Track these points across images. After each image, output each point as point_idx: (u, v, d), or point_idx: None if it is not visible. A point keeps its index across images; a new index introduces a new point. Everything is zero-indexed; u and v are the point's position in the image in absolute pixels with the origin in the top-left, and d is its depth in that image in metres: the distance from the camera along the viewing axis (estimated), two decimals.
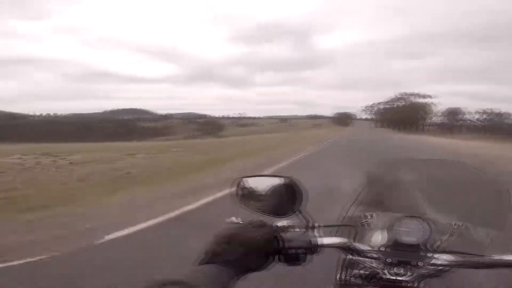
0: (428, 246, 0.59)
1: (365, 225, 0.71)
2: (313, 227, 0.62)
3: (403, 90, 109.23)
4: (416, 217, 0.60)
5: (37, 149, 12.87)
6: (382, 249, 0.60)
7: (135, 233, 3.13)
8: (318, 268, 0.85)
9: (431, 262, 0.58)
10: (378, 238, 0.64)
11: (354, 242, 0.63)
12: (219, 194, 4.64)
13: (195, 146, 15.88)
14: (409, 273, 0.59)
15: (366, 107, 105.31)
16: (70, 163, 8.92)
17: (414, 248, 0.59)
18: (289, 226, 0.62)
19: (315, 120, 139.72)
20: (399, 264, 0.59)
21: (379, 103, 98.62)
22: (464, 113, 74.53)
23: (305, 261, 0.58)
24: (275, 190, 0.67)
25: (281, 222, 0.62)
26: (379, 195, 0.82)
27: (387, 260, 0.59)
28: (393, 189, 0.83)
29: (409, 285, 0.59)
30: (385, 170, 0.90)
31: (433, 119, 79.58)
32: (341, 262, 0.68)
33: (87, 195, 4.88)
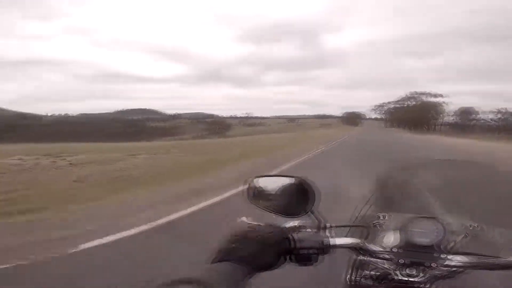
0: (442, 247, 0.58)
1: (377, 226, 0.69)
2: (324, 228, 0.63)
3: (413, 89, 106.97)
4: (429, 218, 0.60)
5: (43, 149, 12.85)
6: (395, 250, 0.60)
7: (113, 242, 2.87)
8: (327, 268, 0.82)
9: (445, 264, 0.57)
10: (391, 239, 0.63)
11: (366, 242, 0.62)
12: (213, 200, 4.34)
13: (199, 146, 15.65)
14: (421, 274, 0.58)
15: (375, 106, 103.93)
16: (70, 164, 8.79)
17: (427, 249, 0.58)
18: (301, 226, 0.62)
19: (323, 120, 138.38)
20: (411, 265, 0.58)
21: (389, 103, 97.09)
22: (477, 113, 72.45)
23: (316, 261, 0.58)
24: (287, 190, 0.67)
25: (292, 222, 0.62)
26: (391, 196, 0.83)
27: (399, 261, 0.59)
28: (405, 190, 0.82)
29: (421, 286, 0.58)
30: (397, 171, 0.90)
31: (445, 118, 77.65)
32: (351, 263, 0.68)
33: (77, 198, 4.69)
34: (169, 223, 3.44)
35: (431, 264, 0.57)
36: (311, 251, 0.57)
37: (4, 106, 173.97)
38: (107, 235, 2.99)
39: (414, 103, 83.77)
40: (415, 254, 0.58)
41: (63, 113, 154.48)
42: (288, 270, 0.59)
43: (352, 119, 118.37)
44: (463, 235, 0.63)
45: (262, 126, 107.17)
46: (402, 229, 0.60)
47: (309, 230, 0.62)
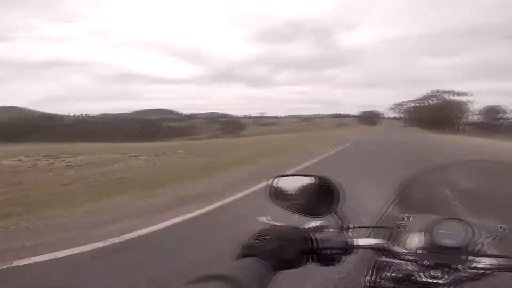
0: (469, 249, 0.57)
1: (401, 227, 0.68)
2: (347, 228, 0.62)
3: (433, 88, 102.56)
4: (457, 219, 0.59)
5: (52, 149, 12.79)
6: (419, 251, 0.59)
7: (59, 259, 2.53)
8: (347, 269, 0.89)
9: (472, 266, 0.56)
10: (415, 240, 0.62)
11: (390, 244, 0.61)
12: (199, 211, 3.75)
13: (208, 147, 15.18)
14: (446, 276, 0.57)
15: (394, 105, 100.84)
16: (68, 165, 8.54)
17: (454, 251, 0.57)
18: (323, 226, 0.61)
19: (339, 120, 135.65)
20: (436, 267, 0.57)
21: (408, 101, 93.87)
22: (504, 111, 68.24)
23: (339, 262, 0.58)
24: (309, 190, 0.66)
25: (314, 222, 0.62)
26: (416, 198, 0.82)
27: (424, 262, 0.58)
28: (430, 191, 0.83)
29: None
30: (423, 172, 0.88)
31: (469, 118, 73.70)
32: (371, 264, 0.67)
33: (58, 203, 4.43)
34: (129, 241, 2.92)
35: (458, 266, 0.56)
36: (334, 251, 0.57)
37: (30, 107, 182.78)
38: (55, 250, 2.70)
39: (436, 101, 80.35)
40: (440, 256, 0.57)
41: (84, 113, 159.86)
42: (308, 270, 0.58)
43: (370, 118, 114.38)
44: (492, 237, 0.62)
45: (275, 125, 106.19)
46: (427, 230, 0.59)
47: (331, 230, 0.61)
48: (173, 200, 4.39)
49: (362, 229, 0.66)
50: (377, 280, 0.64)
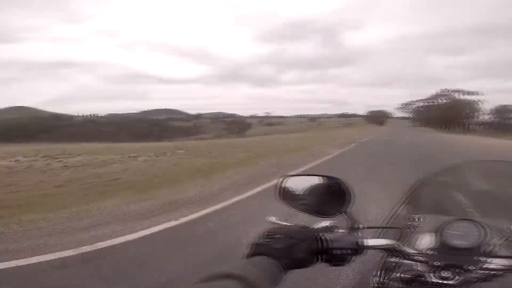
0: (481, 250, 0.57)
1: (411, 227, 0.67)
2: (357, 228, 0.62)
3: (442, 87, 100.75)
4: (468, 220, 0.58)
5: (55, 149, 12.73)
6: (430, 252, 0.58)
7: (19, 268, 2.36)
8: (355, 269, 0.88)
9: (483, 267, 0.55)
10: (426, 240, 0.61)
11: (400, 244, 0.61)
12: (183, 219, 3.49)
13: (210, 147, 14.94)
14: (457, 277, 0.56)
15: (402, 105, 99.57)
16: (64, 166, 8.40)
17: (465, 251, 0.57)
18: (333, 226, 0.61)
19: (346, 119, 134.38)
20: (446, 267, 0.57)
21: (417, 101, 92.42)
22: None
23: (349, 262, 0.57)
24: (319, 190, 0.66)
25: (324, 222, 0.61)
26: (427, 198, 0.81)
27: (434, 263, 0.57)
28: (442, 191, 0.82)
29: None
30: (435, 173, 0.87)
31: (479, 117, 71.92)
32: (380, 265, 0.67)
33: (44, 206, 4.32)
34: (100, 251, 2.69)
35: (469, 267, 0.55)
36: (344, 252, 0.56)
37: (40, 107, 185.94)
38: (20, 257, 2.53)
39: (445, 101, 78.80)
40: (451, 256, 0.56)
41: (92, 113, 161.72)
42: (317, 269, 0.62)
43: (377, 118, 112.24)
44: (503, 238, 0.61)
45: (281, 125, 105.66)
46: (438, 231, 0.59)
47: (341, 230, 0.61)
48: (161, 205, 4.14)
49: (372, 229, 0.66)
50: (386, 280, 0.64)
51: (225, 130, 76.27)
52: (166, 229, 3.15)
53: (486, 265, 0.55)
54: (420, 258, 0.58)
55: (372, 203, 3.55)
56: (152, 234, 3.02)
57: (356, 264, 0.58)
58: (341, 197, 0.62)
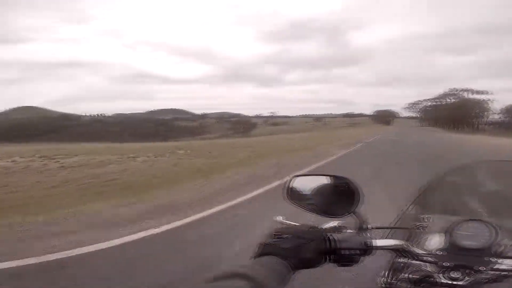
0: (492, 250, 0.56)
1: (420, 228, 0.67)
2: (366, 229, 0.61)
3: (452, 86, 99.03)
4: (479, 220, 0.58)
5: (59, 149, 12.66)
6: (439, 252, 0.58)
7: None
8: (362, 270, 0.74)
9: (494, 267, 0.55)
10: (435, 241, 0.61)
11: (409, 244, 0.61)
12: (169, 226, 3.22)
13: (212, 147, 14.72)
14: (466, 278, 0.56)
15: (409, 104, 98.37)
16: (61, 166, 8.24)
17: (476, 252, 0.56)
18: (341, 226, 0.60)
19: (352, 119, 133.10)
20: (456, 268, 0.56)
21: (425, 100, 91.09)
22: None
23: (357, 262, 0.57)
24: (327, 190, 0.66)
25: (332, 222, 0.61)
26: (435, 199, 0.81)
27: (444, 264, 0.57)
28: (450, 192, 0.82)
29: None
30: (445, 173, 0.86)
31: (489, 117, 70.35)
32: (388, 265, 0.67)
33: (35, 208, 4.12)
34: (63, 260, 2.47)
35: (480, 268, 0.54)
36: (353, 252, 0.56)
37: (48, 107, 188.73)
38: None
39: (453, 100, 77.39)
40: (461, 257, 0.56)
41: (99, 113, 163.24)
42: (325, 270, 0.58)
43: (384, 117, 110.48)
44: None
45: (286, 125, 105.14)
46: (447, 231, 0.58)
47: (349, 231, 0.60)
48: (148, 209, 3.88)
49: (380, 230, 0.65)
50: (394, 281, 0.63)
51: (230, 130, 76.23)
52: (141, 239, 2.86)
53: (497, 266, 0.54)
54: (429, 259, 0.57)
55: (376, 212, 3.24)
56: (123, 244, 2.74)
57: (364, 265, 0.56)
58: (349, 197, 0.61)
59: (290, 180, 0.69)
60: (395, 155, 10.48)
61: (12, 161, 8.64)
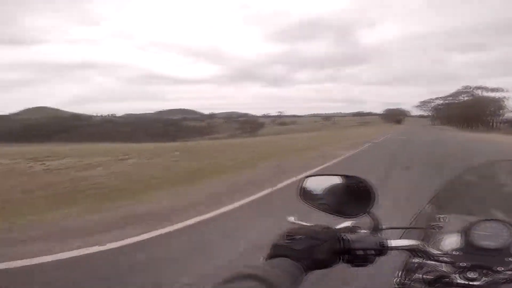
0: (510, 250, 0.55)
1: (435, 228, 0.67)
2: (380, 229, 0.61)
3: (463, 84, 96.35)
4: (496, 220, 0.57)
5: (63, 149, 12.34)
6: (455, 252, 0.57)
7: None
8: (376, 270, 0.73)
9: None
10: (451, 241, 0.60)
11: (425, 244, 0.60)
12: (130, 240, 2.77)
13: (214, 147, 14.19)
14: (484, 278, 0.55)
15: (420, 102, 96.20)
16: (47, 169, 7.79)
17: (493, 252, 0.55)
18: (355, 227, 0.60)
19: (362, 118, 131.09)
20: (472, 268, 0.55)
21: (436, 98, 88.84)
22: None
23: (372, 263, 0.56)
24: (340, 190, 0.65)
25: (346, 223, 0.61)
26: (451, 198, 0.81)
27: (460, 264, 0.56)
28: (466, 192, 0.80)
29: None
30: (462, 173, 0.86)
31: (505, 115, 67.81)
32: (403, 266, 0.66)
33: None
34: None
35: (498, 268, 0.54)
36: (368, 252, 0.55)
37: (59, 107, 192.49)
38: None
39: (467, 98, 75.06)
40: (478, 257, 0.55)
41: (110, 113, 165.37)
42: (338, 270, 0.56)
43: (394, 116, 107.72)
44: None
45: (295, 124, 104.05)
46: (464, 231, 0.57)
47: (363, 231, 0.59)
48: (115, 219, 3.47)
49: (394, 230, 0.64)
50: (408, 281, 0.63)
51: (238, 130, 75.84)
52: (90, 255, 2.50)
53: None
54: (445, 259, 0.57)
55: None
56: (69, 259, 2.43)
57: (377, 265, 0.54)
58: (362, 197, 0.60)
59: (303, 181, 0.68)
60: (406, 157, 9.66)
61: None
